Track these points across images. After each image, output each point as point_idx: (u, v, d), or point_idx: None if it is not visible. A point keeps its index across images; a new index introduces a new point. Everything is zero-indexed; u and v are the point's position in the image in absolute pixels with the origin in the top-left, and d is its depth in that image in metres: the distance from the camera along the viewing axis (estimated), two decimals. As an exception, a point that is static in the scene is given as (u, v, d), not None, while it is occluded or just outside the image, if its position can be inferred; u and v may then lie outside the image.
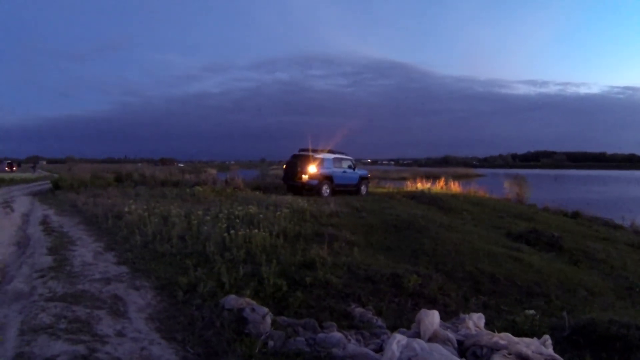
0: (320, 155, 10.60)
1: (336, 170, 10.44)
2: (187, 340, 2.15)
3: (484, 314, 2.14)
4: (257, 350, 1.89)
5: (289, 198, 7.44)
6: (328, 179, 10.24)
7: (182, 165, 35.65)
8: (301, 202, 6.65)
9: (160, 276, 3.22)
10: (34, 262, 3.74)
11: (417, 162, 64.43)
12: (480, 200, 10.32)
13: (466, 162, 62.81)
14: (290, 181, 10.11)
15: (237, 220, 4.97)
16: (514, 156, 79.52)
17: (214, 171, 18.68)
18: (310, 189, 9.76)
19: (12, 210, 7.44)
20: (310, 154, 9.96)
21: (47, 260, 3.78)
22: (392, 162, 72.24)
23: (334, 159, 10.57)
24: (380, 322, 2.44)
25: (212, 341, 2.10)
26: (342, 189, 10.57)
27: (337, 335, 1.99)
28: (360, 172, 11.15)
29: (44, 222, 6.13)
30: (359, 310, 2.56)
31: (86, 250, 4.27)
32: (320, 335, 2.02)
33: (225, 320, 2.25)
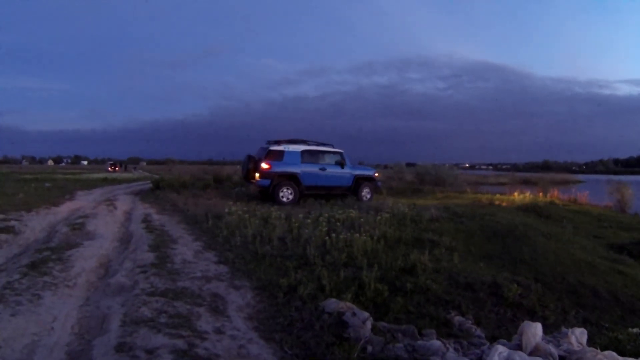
0: (279, 147, 14.56)
1: (306, 167, 14.55)
2: (285, 341, 3.76)
3: (585, 329, 3.65)
4: (355, 355, 3.34)
5: (389, 202, 12.04)
6: (290, 178, 14.37)
7: None
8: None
9: (260, 277, 5.64)
10: (136, 257, 6.78)
11: (515, 167, 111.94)
12: (580, 208, 17.36)
13: (566, 168, 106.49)
14: (248, 183, 14.68)
15: (338, 224, 8.67)
16: (616, 161, 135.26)
17: None
18: (265, 192, 14.30)
19: (115, 208, 13.76)
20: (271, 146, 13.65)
21: (149, 256, 6.79)
22: (491, 167, 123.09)
23: (304, 151, 14.66)
24: (479, 331, 4.27)
25: (310, 343, 3.65)
26: (320, 192, 15.01)
27: (436, 343, 3.50)
28: (358, 170, 15.53)
29: (146, 220, 11.03)
30: (458, 318, 4.52)
31: (187, 248, 7.44)
32: (420, 342, 3.57)
33: (325, 323, 3.93)
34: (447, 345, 3.56)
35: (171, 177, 23.04)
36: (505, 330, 4.51)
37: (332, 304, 4.28)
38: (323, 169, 15.17)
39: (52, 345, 3.68)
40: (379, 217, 9.35)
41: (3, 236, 8.33)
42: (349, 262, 6.25)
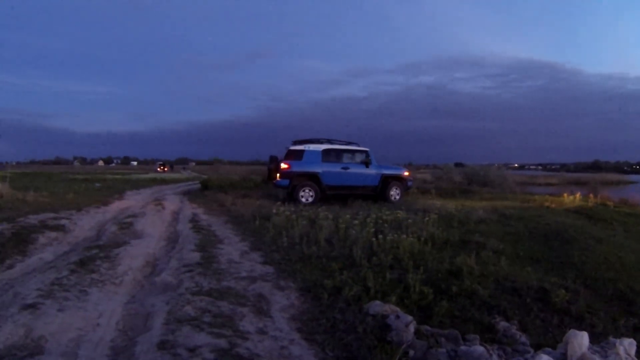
0: (300, 147, 15.14)
1: (327, 167, 15.06)
2: (327, 343, 3.93)
3: (635, 338, 3.61)
4: (397, 359, 3.46)
5: (438, 203, 12.82)
6: (311, 178, 14.91)
7: None
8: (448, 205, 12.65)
9: (305, 278, 5.85)
10: (183, 257, 7.01)
11: (565, 167, 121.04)
12: (632, 210, 17.24)
13: (617, 168, 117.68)
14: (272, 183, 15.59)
15: (385, 225, 9.09)
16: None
17: None
18: (290, 194, 14.95)
19: (163, 208, 14.29)
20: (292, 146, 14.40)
21: (195, 256, 7.01)
22: (540, 167, 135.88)
23: (325, 150, 15.20)
24: (524, 338, 4.31)
25: (352, 346, 3.81)
26: (343, 192, 15.40)
27: (479, 349, 3.54)
28: (386, 169, 15.91)
29: (193, 220, 11.46)
30: (503, 324, 4.58)
31: (233, 249, 7.68)
32: (463, 347, 3.61)
33: (368, 325, 4.07)
34: (491, 351, 3.62)
35: (219, 178, 24.19)
36: (551, 337, 4.52)
37: (376, 306, 4.42)
38: (346, 168, 15.28)
39: (96, 340, 3.81)
40: (426, 219, 9.73)
41: (53, 234, 8.79)
42: (395, 263, 6.46)
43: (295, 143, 15.55)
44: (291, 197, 14.80)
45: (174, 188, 25.47)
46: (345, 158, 15.52)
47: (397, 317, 4.05)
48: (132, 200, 17.01)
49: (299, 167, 14.83)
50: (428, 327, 4.11)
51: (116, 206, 14.69)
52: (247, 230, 9.75)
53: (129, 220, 10.97)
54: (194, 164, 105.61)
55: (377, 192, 15.67)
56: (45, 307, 4.39)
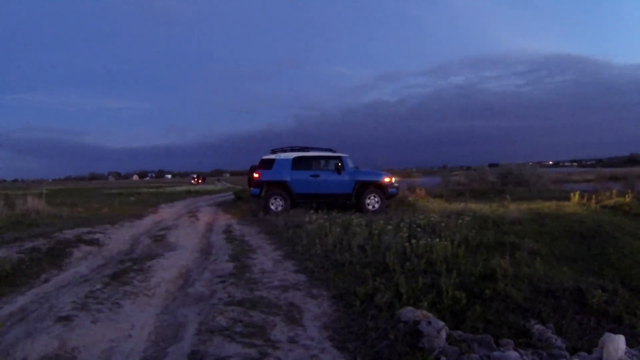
0: (271, 156, 15.72)
1: (296, 175, 15.40)
2: (359, 351, 3.97)
3: None
4: None
5: (472, 205, 13.01)
6: (280, 186, 15.46)
7: None
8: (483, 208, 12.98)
9: (338, 285, 5.96)
10: (216, 268, 7.19)
11: (601, 163, 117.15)
12: None
13: None
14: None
15: (419, 229, 9.24)
16: None
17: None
18: (264, 202, 15.65)
19: (197, 220, 14.68)
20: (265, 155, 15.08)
21: (228, 266, 7.18)
22: (575, 164, 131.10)
23: (295, 159, 15.54)
24: (560, 342, 4.32)
25: (383, 353, 3.84)
26: (314, 200, 15.58)
27: (512, 354, 3.62)
28: (361, 175, 15.49)
29: (227, 230, 11.77)
30: (538, 327, 4.58)
31: (266, 258, 7.83)
32: (496, 353, 3.67)
33: (400, 332, 4.09)
34: (525, 356, 3.64)
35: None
36: (587, 341, 4.46)
37: (408, 312, 4.42)
38: (316, 176, 15.35)
39: (128, 351, 3.93)
40: (460, 221, 9.92)
41: (88, 248, 9.09)
42: (428, 268, 6.54)
43: (271, 152, 16.07)
44: (263, 205, 15.48)
45: (207, 200, 25.99)
46: (316, 165, 15.58)
47: (429, 322, 4.06)
48: (166, 213, 17.44)
49: (269, 176, 15.46)
50: (460, 333, 4.10)
51: (150, 219, 15.08)
52: (280, 240, 9.95)
53: (162, 232, 11.27)
54: (228, 175, 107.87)
55: (351, 199, 15.37)
56: (79, 319, 4.57)
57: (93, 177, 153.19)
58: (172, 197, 27.68)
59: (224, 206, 20.48)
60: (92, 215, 15.57)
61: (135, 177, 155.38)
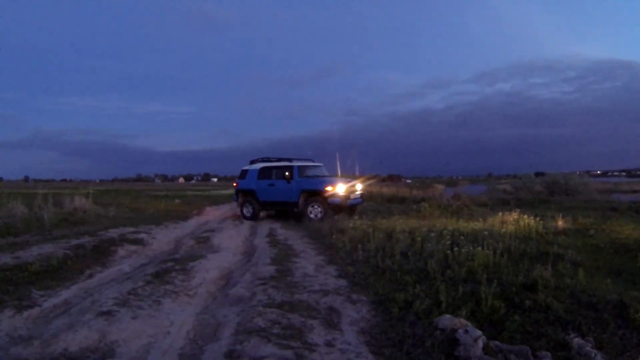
0: (246, 167, 17.82)
1: (260, 184, 17.07)
2: (394, 357, 4.08)
3: None
4: None
5: (515, 215, 12.97)
6: (250, 194, 17.38)
7: (409, 181, 64.63)
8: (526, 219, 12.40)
9: (377, 291, 6.05)
10: (257, 270, 7.36)
11: None
12: None
13: None
14: None
15: (462, 237, 9.29)
16: None
17: (441, 187, 36.51)
18: (239, 208, 17.88)
19: (241, 223, 15.22)
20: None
21: (270, 269, 7.34)
22: (624, 173, 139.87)
23: (261, 168, 17.23)
24: (599, 356, 4.30)
25: None
26: (273, 208, 17.49)
27: None
28: (308, 184, 16.05)
29: (270, 234, 12.01)
30: (577, 340, 4.54)
31: (308, 262, 7.98)
32: None
33: (436, 340, 4.25)
34: None
35: None
36: (628, 357, 4.36)
37: (446, 320, 4.53)
38: (272, 185, 16.66)
39: (166, 347, 4.08)
40: (503, 230, 10.24)
41: (132, 247, 9.44)
42: (469, 276, 6.60)
43: (250, 163, 18.06)
44: (240, 212, 17.62)
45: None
46: (275, 175, 16.75)
47: (466, 331, 4.14)
48: (210, 216, 17.93)
49: (243, 185, 17.54)
50: (498, 343, 4.15)
51: (195, 221, 15.52)
52: (323, 244, 10.23)
53: (206, 234, 11.56)
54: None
55: (298, 208, 15.95)
56: (119, 314, 4.75)
57: (139, 179, 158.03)
58: (217, 200, 28.27)
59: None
60: (137, 216, 16.14)
61: (181, 180, 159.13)
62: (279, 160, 17.36)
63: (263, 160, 17.72)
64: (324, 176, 16.75)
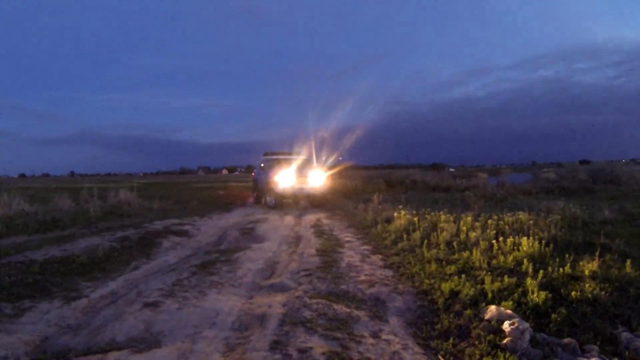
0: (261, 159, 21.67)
1: (260, 175, 20.35)
2: (440, 348, 4.20)
3: None
4: None
5: (561, 203, 13.03)
6: (256, 184, 21.13)
7: (453, 170, 67.13)
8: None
9: (423, 281, 6.22)
10: (303, 261, 7.48)
11: None
12: None
13: None
14: None
15: (507, 227, 9.55)
16: None
17: (484, 176, 37.24)
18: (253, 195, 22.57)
19: (286, 214, 15.23)
20: None
21: (315, 260, 7.46)
22: None
23: (262, 161, 20.80)
24: None
25: (464, 352, 4.06)
26: (262, 196, 20.33)
27: None
28: (265, 174, 19.61)
29: (315, 224, 12.21)
30: (626, 335, 4.54)
31: (354, 252, 8.12)
32: (579, 359, 3.87)
33: (483, 331, 4.33)
34: None
35: (342, 183, 25.94)
36: None
37: (492, 311, 4.63)
38: (259, 175, 20.53)
39: (211, 337, 4.14)
40: (549, 220, 9.95)
41: (177, 239, 9.69)
42: (515, 267, 6.64)
43: (263, 155, 21.48)
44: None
45: (297, 194, 26.65)
46: (265, 168, 19.95)
47: (513, 323, 4.16)
48: (255, 207, 18.14)
49: (255, 176, 21.45)
50: (545, 335, 4.16)
51: (239, 212, 15.83)
52: (368, 234, 10.51)
53: (250, 225, 11.79)
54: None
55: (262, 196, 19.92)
56: (165, 305, 4.89)
57: (183, 171, 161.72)
58: (260, 191, 28.81)
59: None
60: (181, 208, 16.55)
61: (225, 172, 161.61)
62: (275, 154, 21.21)
63: (267, 154, 21.31)
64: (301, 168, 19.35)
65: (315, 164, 20.29)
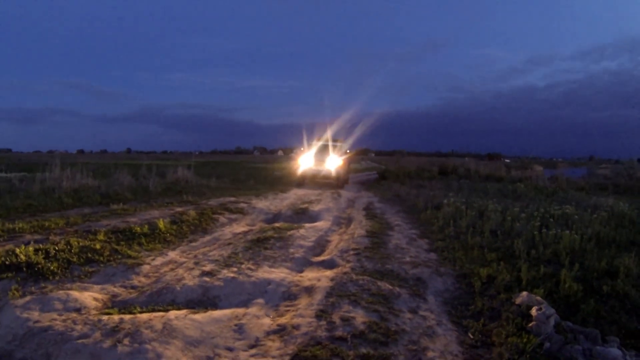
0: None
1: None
2: (471, 327, 4.52)
3: None
4: (530, 349, 3.88)
5: (610, 201, 13.43)
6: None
7: (508, 160, 66.19)
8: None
9: (464, 265, 6.63)
10: (353, 240, 7.86)
11: None
12: None
13: None
14: None
15: (552, 220, 9.80)
16: None
17: (540, 168, 37.77)
18: None
19: (340, 196, 15.80)
20: None
21: (365, 241, 7.83)
22: None
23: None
24: None
25: (492, 331, 4.34)
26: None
27: (615, 351, 3.86)
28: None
29: (367, 207, 12.64)
30: None
31: (402, 235, 8.51)
32: (598, 347, 3.91)
33: (512, 314, 4.58)
34: (628, 356, 3.82)
35: (396, 168, 26.84)
36: None
37: (523, 296, 4.85)
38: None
39: (263, 303, 4.61)
40: (594, 216, 10.15)
41: (233, 216, 10.19)
42: (553, 258, 6.90)
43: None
44: None
45: (351, 177, 26.93)
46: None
47: (540, 308, 4.39)
48: (310, 188, 18.65)
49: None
50: (570, 323, 4.30)
51: (294, 193, 16.26)
52: (418, 219, 10.94)
53: (304, 206, 12.21)
54: (373, 154, 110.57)
55: None
56: (221, 274, 5.36)
57: (239, 151, 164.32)
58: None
59: (367, 184, 22.20)
60: (237, 187, 17.18)
61: (280, 153, 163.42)
62: (321, 140, 22.72)
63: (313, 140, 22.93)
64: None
65: (358, 149, 21.47)
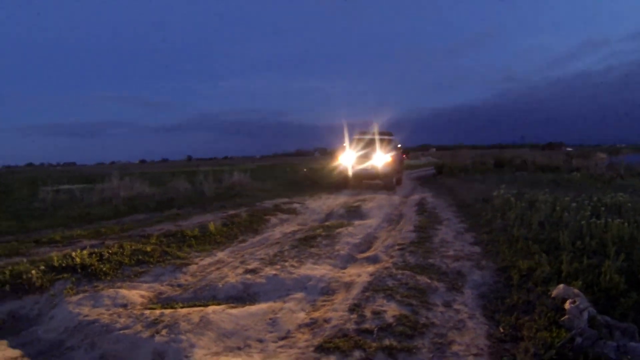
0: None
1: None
2: (503, 320, 4.41)
3: None
4: (559, 344, 3.71)
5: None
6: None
7: (570, 149, 64.20)
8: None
9: (505, 258, 6.48)
10: (399, 236, 7.97)
11: None
12: None
13: None
14: None
15: (603, 209, 9.06)
16: None
17: (603, 155, 36.94)
18: None
19: (394, 193, 15.94)
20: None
21: (412, 236, 7.92)
22: None
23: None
24: None
25: (524, 325, 4.21)
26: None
27: None
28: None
29: (419, 203, 12.72)
30: None
31: (449, 230, 8.57)
32: (632, 344, 3.68)
33: (546, 307, 4.43)
34: None
35: (452, 163, 26.64)
36: None
37: (560, 289, 4.71)
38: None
39: (300, 298, 4.79)
40: None
41: (285, 216, 10.47)
42: (599, 249, 6.43)
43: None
44: None
45: (408, 174, 27.42)
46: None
47: (574, 301, 4.24)
48: (364, 187, 18.89)
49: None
50: (607, 318, 4.11)
51: (348, 193, 16.47)
52: (468, 213, 10.92)
53: (357, 204, 12.34)
54: (434, 150, 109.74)
55: None
56: (264, 271, 5.57)
57: (299, 153, 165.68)
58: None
59: (422, 180, 22.59)
60: (292, 188, 17.54)
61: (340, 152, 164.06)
62: (365, 133, 20.49)
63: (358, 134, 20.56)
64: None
65: (400, 144, 20.89)
